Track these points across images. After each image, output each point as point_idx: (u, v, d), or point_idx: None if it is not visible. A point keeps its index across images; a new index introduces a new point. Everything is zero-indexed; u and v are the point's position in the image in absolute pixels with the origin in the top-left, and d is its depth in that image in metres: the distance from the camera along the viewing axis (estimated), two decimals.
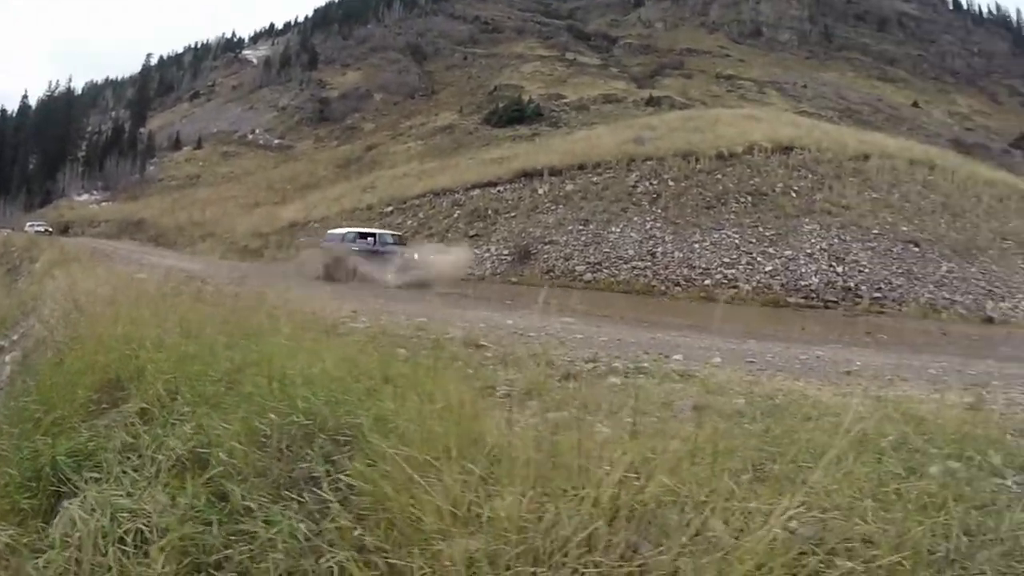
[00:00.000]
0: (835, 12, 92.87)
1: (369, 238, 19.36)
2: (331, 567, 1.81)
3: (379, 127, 68.39)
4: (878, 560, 1.75)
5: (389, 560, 1.78)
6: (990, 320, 15.79)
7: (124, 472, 2.44)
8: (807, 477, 2.09)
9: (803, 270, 17.20)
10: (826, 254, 17.42)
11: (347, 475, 2.13)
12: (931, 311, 15.80)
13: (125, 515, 2.15)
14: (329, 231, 21.51)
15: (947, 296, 16.53)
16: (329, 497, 2.04)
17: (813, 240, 18.01)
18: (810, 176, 20.96)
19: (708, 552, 1.67)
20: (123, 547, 2.05)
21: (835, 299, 16.19)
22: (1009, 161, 46.89)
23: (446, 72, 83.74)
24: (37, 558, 2.14)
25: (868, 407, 3.59)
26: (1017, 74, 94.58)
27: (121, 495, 2.27)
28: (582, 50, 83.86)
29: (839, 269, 16.97)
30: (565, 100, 61.53)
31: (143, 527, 2.10)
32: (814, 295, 16.47)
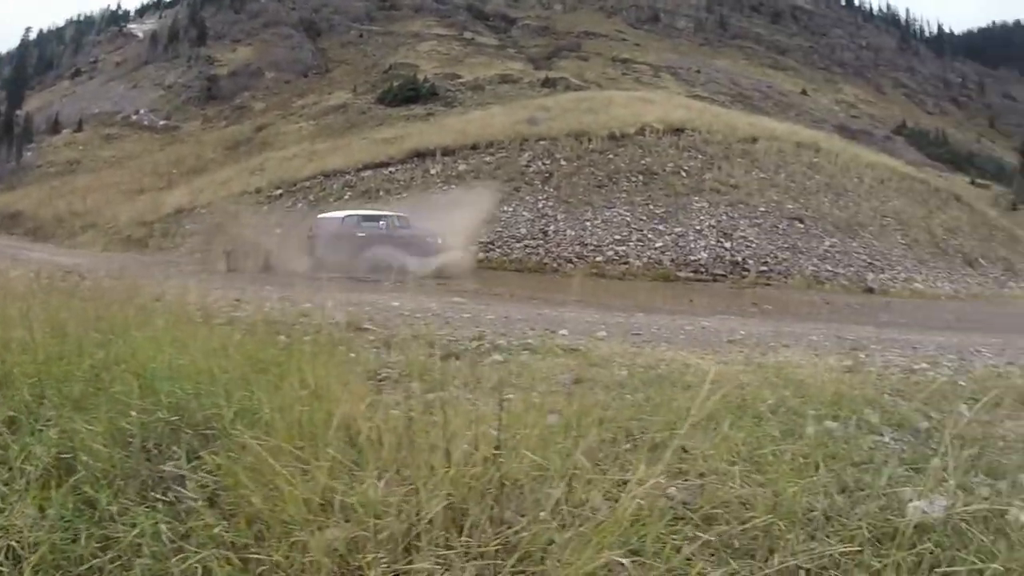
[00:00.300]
0: (731, 2, 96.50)
1: (380, 221, 16.97)
2: (195, 567, 1.75)
3: (270, 106, 65.17)
4: (753, 521, 1.82)
5: (251, 556, 1.75)
6: (870, 290, 16.73)
7: None
8: (683, 443, 2.18)
9: (692, 246, 17.70)
10: (715, 230, 17.99)
11: (207, 471, 2.09)
12: (815, 283, 16.65)
13: None
14: (320, 215, 18.52)
15: (830, 268, 17.39)
16: (190, 495, 2.00)
17: (702, 217, 18.52)
18: (700, 156, 21.55)
19: (580, 523, 1.69)
20: None
21: (723, 273, 16.81)
22: (891, 147, 50.60)
23: (341, 49, 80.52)
24: None
25: (749, 373, 3.73)
26: (902, 68, 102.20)
27: None
28: (480, 30, 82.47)
29: (727, 244, 17.56)
30: (461, 80, 60.41)
31: (15, 544, 1.98)
32: (703, 269, 17.02)
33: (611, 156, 21.40)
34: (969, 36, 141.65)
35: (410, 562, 1.65)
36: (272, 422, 2.15)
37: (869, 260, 18.00)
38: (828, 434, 2.60)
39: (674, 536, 1.74)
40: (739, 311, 11.63)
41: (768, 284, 15.99)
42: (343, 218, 17.25)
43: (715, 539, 1.77)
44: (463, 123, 28.01)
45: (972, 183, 47.94)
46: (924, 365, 5.35)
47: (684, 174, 20.44)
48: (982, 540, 1.84)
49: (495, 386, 2.60)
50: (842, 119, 65.90)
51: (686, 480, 2.08)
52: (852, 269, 17.40)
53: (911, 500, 1.99)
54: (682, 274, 16.71)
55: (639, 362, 4.13)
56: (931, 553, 1.80)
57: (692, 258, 17.17)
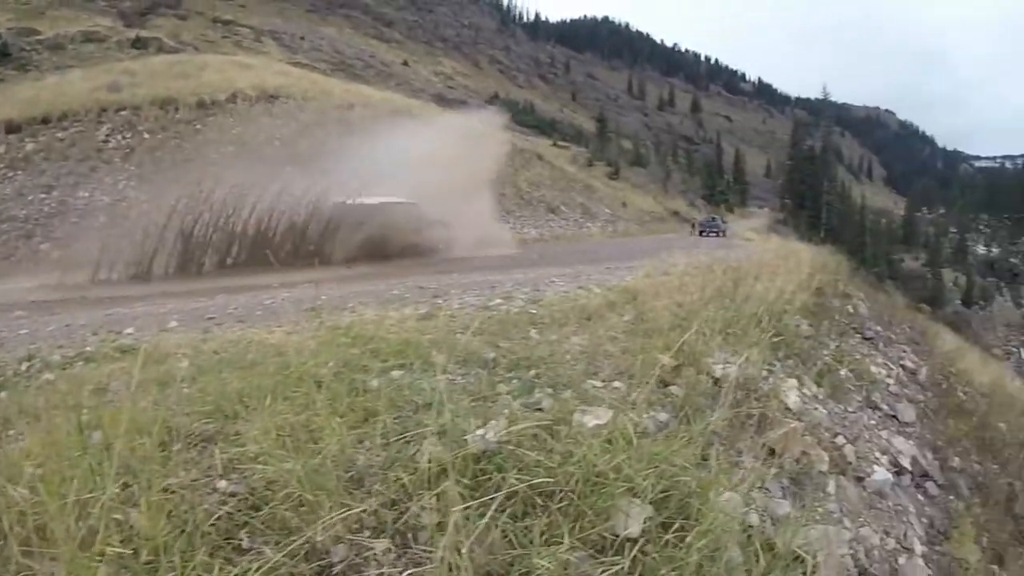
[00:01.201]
0: None
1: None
2: None
3: None
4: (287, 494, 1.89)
5: None
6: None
7: None
8: (239, 430, 2.25)
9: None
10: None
11: None
12: None
13: None
14: None
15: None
16: None
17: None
18: (294, 124, 21.09)
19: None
20: None
21: None
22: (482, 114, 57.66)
23: None
24: None
25: (318, 338, 3.64)
26: (499, 47, 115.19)
27: None
28: None
29: None
30: (39, 37, 49.58)
31: None
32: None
33: (199, 126, 20.11)
34: (562, 24, 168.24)
35: None
36: None
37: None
38: (393, 383, 2.66)
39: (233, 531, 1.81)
40: (333, 277, 11.51)
41: None
42: None
43: (260, 523, 1.84)
44: (36, 90, 23.49)
45: (554, 145, 56.68)
46: (499, 301, 5.63)
47: (277, 143, 20.07)
48: (535, 455, 2.05)
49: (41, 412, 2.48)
50: (440, 89, 70.83)
51: (237, 469, 2.08)
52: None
53: (472, 431, 2.17)
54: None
55: (204, 349, 4.01)
56: (490, 478, 1.98)
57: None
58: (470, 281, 8.20)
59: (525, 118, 75.15)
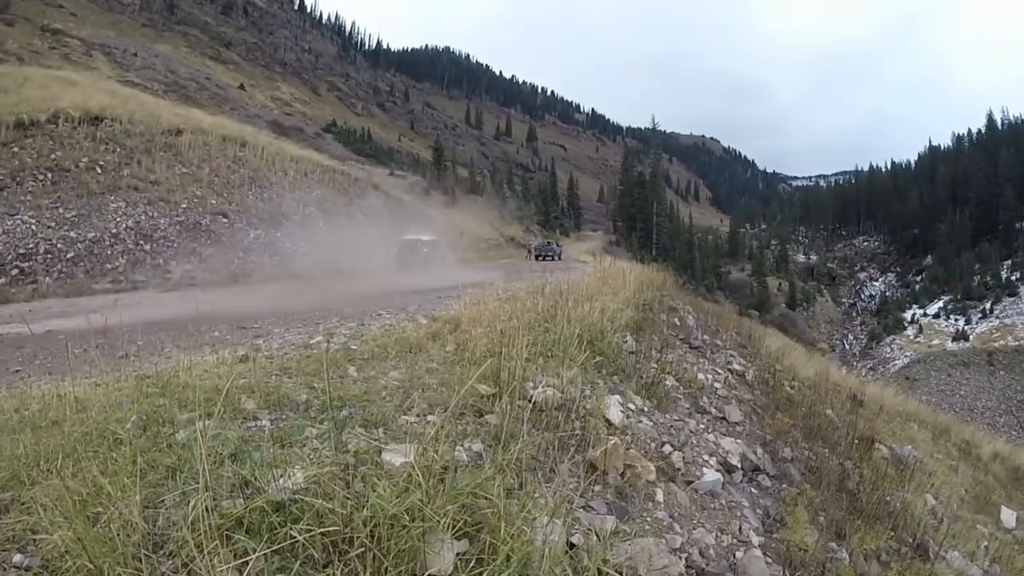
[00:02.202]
0: None
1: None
2: None
3: None
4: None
5: None
6: (296, 276, 17.57)
7: None
8: (35, 496, 2.09)
9: (109, 252, 15.71)
10: (133, 232, 16.29)
11: None
12: (241, 275, 16.54)
13: None
14: None
15: (255, 259, 17.67)
16: None
17: (119, 219, 16.65)
18: (119, 150, 19.54)
19: None
20: None
21: (144, 278, 15.27)
22: (320, 142, 55.55)
23: None
24: None
25: (127, 389, 3.43)
26: (339, 73, 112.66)
27: None
28: None
29: (147, 247, 16.11)
30: None
31: None
32: (122, 278, 15.20)
33: (16, 149, 17.87)
34: (403, 53, 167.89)
35: None
36: None
37: (293, 247, 18.99)
38: (201, 434, 2.41)
39: None
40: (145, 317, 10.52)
41: (193, 284, 15.27)
42: None
43: None
44: None
45: (391, 174, 56.09)
46: (320, 338, 5.49)
47: (100, 170, 18.27)
48: (328, 503, 1.97)
49: None
50: (276, 115, 68.65)
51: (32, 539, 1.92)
52: (278, 258, 18.10)
53: (274, 480, 2.08)
54: (99, 286, 14.63)
55: (5, 407, 3.48)
56: (288, 529, 1.90)
57: (109, 266, 15.29)
58: (294, 319, 7.91)
59: (362, 147, 74.14)
